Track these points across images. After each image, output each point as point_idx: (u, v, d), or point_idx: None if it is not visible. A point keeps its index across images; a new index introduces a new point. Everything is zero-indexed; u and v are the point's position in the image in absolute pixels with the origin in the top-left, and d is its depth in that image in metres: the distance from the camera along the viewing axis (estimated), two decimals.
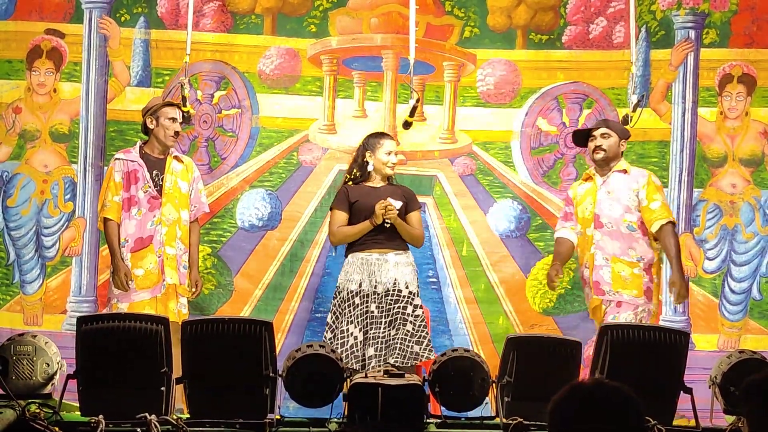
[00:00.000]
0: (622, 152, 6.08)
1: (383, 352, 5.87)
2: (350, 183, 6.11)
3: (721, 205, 7.01)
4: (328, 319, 6.03)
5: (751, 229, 7.00)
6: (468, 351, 5.67)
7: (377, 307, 5.91)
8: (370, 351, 5.87)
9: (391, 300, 5.91)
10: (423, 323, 5.96)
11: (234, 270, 6.99)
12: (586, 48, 7.08)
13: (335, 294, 6.03)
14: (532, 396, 5.26)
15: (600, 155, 6.02)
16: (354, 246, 6.02)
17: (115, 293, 6.05)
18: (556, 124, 7.13)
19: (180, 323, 5.66)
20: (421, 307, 5.98)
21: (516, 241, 7.07)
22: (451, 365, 5.46)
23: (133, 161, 6.11)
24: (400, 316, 5.90)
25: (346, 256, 6.07)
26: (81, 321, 5.45)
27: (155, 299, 6.06)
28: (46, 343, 5.65)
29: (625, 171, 6.01)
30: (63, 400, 5.39)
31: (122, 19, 7.02)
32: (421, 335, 5.91)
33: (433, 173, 7.05)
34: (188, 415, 5.41)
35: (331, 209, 6.12)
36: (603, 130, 6.05)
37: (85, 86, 7.00)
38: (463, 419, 5.67)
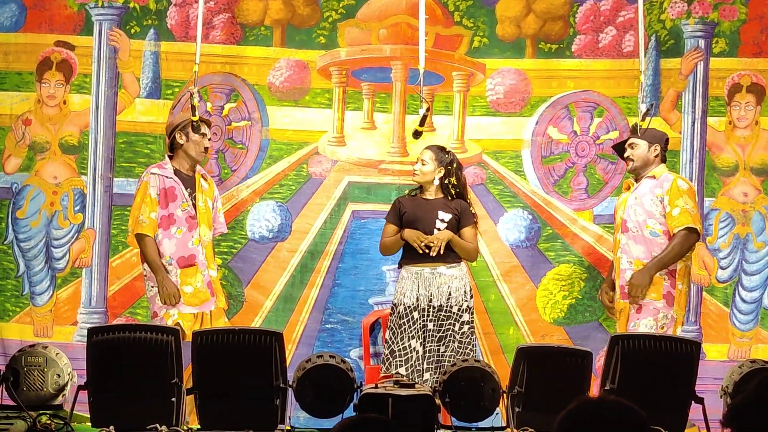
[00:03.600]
0: (658, 156, 6.06)
1: (435, 367, 5.87)
2: (407, 194, 6.18)
3: (733, 214, 6.99)
4: (386, 336, 6.02)
5: (762, 239, 6.97)
6: (478, 361, 5.68)
7: (431, 321, 5.92)
8: (424, 365, 5.87)
9: (444, 316, 5.94)
10: (469, 340, 5.97)
11: (244, 281, 6.99)
12: (595, 57, 7.07)
13: (392, 310, 6.03)
14: (543, 406, 5.26)
15: (629, 165, 6.12)
16: (407, 259, 6.05)
17: (159, 304, 5.95)
18: (567, 132, 7.12)
19: None
20: (468, 323, 5.99)
21: (526, 251, 7.05)
22: (461, 376, 5.46)
23: (169, 177, 6.01)
24: (450, 333, 5.93)
25: (399, 268, 6.08)
26: (92, 332, 5.47)
27: (200, 314, 6.01)
28: (57, 354, 5.67)
29: (653, 176, 6.02)
30: (74, 411, 5.40)
31: (132, 31, 7.03)
32: (465, 352, 5.92)
33: None
34: (198, 426, 5.41)
35: (385, 220, 6.21)
36: (630, 140, 6.12)
37: (94, 98, 7.01)
38: (473, 430, 5.66)
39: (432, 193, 6.12)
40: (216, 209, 6.21)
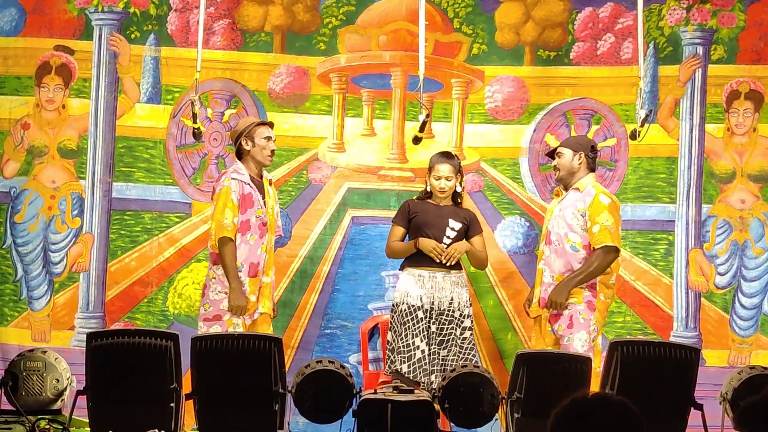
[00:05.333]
0: (583, 164, 5.94)
1: (439, 370, 5.88)
2: (415, 198, 6.20)
3: (730, 220, 7.01)
4: (388, 336, 6.04)
5: (760, 245, 6.99)
6: (477, 367, 5.68)
7: (434, 324, 5.93)
8: (430, 367, 5.88)
9: (446, 320, 5.96)
10: (470, 345, 5.99)
11: None
12: (594, 64, 7.09)
13: (393, 310, 6.04)
14: (542, 412, 5.22)
15: (556, 175, 6.06)
16: (410, 262, 6.06)
17: (225, 309, 5.88)
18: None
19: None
20: (469, 329, 6.00)
21: (524, 258, 7.05)
22: (460, 381, 5.46)
23: (247, 183, 5.95)
24: (452, 337, 5.95)
25: (401, 269, 6.09)
26: (91, 337, 5.46)
27: (248, 325, 5.93)
28: (56, 358, 5.66)
29: (578, 189, 5.93)
30: (73, 416, 5.39)
31: (132, 36, 7.03)
32: (467, 358, 5.93)
33: None
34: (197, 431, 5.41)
35: (392, 222, 6.20)
36: (558, 149, 6.04)
37: (94, 103, 7.01)
38: None
39: (442, 201, 6.13)
40: (275, 213, 6.16)
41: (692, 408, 5.44)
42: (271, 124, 6.15)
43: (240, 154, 6.05)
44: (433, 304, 5.96)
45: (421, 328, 5.92)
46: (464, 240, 6.10)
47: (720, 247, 7.00)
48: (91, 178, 6.99)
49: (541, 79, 7.13)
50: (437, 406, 5.32)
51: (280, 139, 7.02)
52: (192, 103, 6.16)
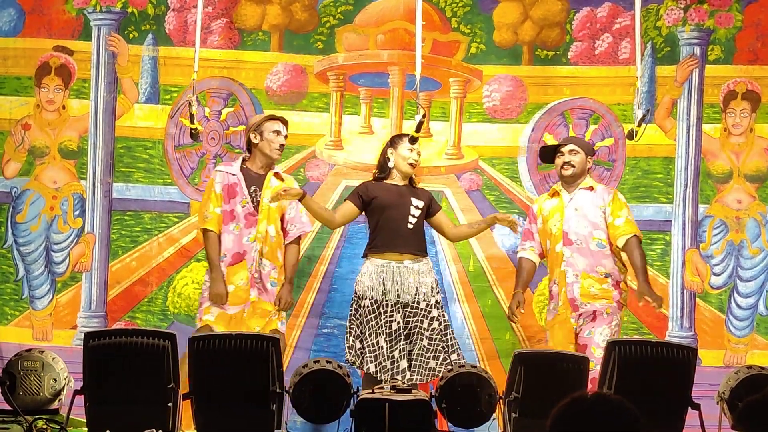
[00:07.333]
0: (589, 169, 6.25)
1: (415, 365, 5.88)
2: (372, 180, 6.20)
3: (727, 220, 7.02)
4: (352, 327, 6.00)
5: (757, 245, 7.00)
6: (475, 367, 5.69)
7: (398, 317, 5.92)
8: (404, 364, 5.87)
9: (410, 313, 5.93)
10: (439, 336, 5.94)
11: None
12: (592, 64, 7.10)
13: (355, 301, 6.02)
14: (540, 412, 5.22)
15: (569, 171, 6.13)
16: (372, 250, 6.05)
17: (206, 298, 6.01)
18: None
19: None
20: (438, 319, 5.98)
21: None
22: (457, 381, 5.47)
23: (233, 174, 6.08)
24: (417, 330, 5.92)
25: (364, 257, 6.08)
26: (88, 336, 5.47)
27: (237, 315, 6.00)
28: (54, 358, 5.67)
29: (591, 188, 6.13)
30: (70, 416, 5.41)
31: (130, 36, 7.05)
32: (437, 350, 5.90)
33: (440, 189, 7.06)
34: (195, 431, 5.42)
35: (345, 199, 6.26)
36: (571, 146, 6.17)
37: (93, 103, 7.03)
38: None
39: (399, 179, 6.13)
40: (298, 209, 6.16)
41: (689, 408, 5.45)
42: (283, 120, 6.21)
43: (250, 148, 6.14)
44: (398, 295, 5.93)
45: (380, 324, 5.90)
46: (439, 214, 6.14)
47: (716, 248, 7.01)
48: (91, 178, 7.02)
49: (539, 79, 7.14)
50: (435, 406, 5.33)
51: None
52: (189, 103, 6.18)
